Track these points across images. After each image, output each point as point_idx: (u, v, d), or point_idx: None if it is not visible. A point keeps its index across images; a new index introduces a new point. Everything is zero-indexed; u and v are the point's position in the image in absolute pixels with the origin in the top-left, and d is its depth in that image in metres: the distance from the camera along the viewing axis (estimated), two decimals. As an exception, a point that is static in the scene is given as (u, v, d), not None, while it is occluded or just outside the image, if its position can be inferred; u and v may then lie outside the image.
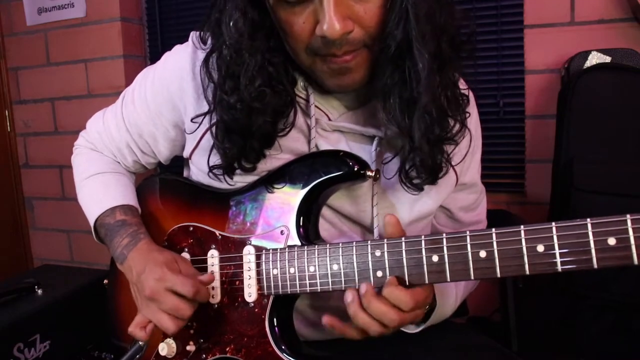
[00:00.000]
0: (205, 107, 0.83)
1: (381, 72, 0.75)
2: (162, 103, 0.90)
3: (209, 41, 0.81)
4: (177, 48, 0.91)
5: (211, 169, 0.85)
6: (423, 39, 0.69)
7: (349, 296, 0.71)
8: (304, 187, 0.79)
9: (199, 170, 0.91)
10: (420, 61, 0.70)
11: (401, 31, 0.70)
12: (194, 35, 0.89)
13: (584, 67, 1.49)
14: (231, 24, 0.73)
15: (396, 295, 0.68)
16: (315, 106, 0.83)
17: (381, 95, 0.76)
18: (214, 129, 0.81)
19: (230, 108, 0.77)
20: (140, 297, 0.82)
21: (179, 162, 1.01)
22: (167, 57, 0.92)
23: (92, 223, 0.95)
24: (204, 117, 0.84)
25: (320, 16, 0.67)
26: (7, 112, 2.30)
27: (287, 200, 0.80)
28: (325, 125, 0.83)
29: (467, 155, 0.90)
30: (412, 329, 0.81)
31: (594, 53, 1.49)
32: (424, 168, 0.77)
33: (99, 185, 0.97)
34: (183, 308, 0.77)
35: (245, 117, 0.76)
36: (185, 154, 0.92)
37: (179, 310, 0.77)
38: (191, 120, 0.86)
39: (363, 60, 0.73)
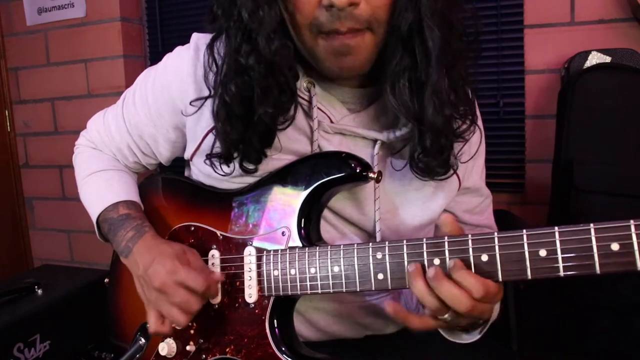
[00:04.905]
0: (206, 111, 0.83)
1: (391, 56, 0.76)
2: (163, 105, 0.90)
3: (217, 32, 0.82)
4: (178, 49, 0.91)
5: (209, 156, 0.84)
6: (433, 16, 0.71)
7: (416, 278, 0.66)
8: (305, 188, 0.79)
9: (199, 172, 0.91)
10: (431, 38, 0.72)
11: (412, 11, 0.71)
12: (195, 36, 0.89)
13: (584, 67, 1.48)
14: None
15: (468, 281, 0.63)
16: (318, 108, 0.83)
17: (390, 79, 0.77)
18: (215, 112, 0.81)
19: (246, 71, 0.76)
20: (149, 290, 0.82)
21: (180, 162, 1.01)
22: (168, 58, 0.92)
23: (94, 219, 0.95)
24: (204, 102, 0.84)
25: None
26: (7, 112, 2.30)
27: (288, 201, 0.80)
28: (327, 127, 0.83)
29: (477, 154, 0.90)
30: (466, 339, 0.76)
31: (594, 53, 1.49)
32: (435, 151, 0.77)
33: (102, 182, 0.97)
34: (192, 302, 0.78)
35: (263, 78, 0.76)
36: (186, 155, 0.92)
37: (188, 304, 0.78)
38: (190, 103, 0.85)
39: (365, 45, 0.74)
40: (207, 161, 0.85)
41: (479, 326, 0.75)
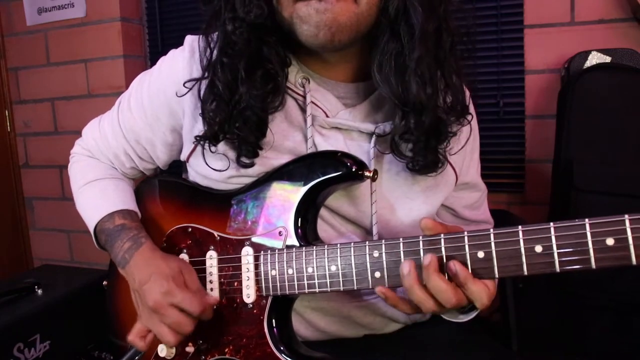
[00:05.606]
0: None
1: (380, 40, 0.77)
2: (159, 108, 0.90)
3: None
4: (172, 52, 0.91)
5: (197, 138, 0.84)
6: None
7: (406, 268, 0.66)
8: (305, 184, 0.79)
9: (196, 173, 0.90)
10: (414, 17, 0.73)
11: None
12: (189, 38, 0.89)
13: (584, 67, 1.48)
14: None
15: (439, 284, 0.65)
16: (313, 103, 0.83)
17: (378, 59, 0.77)
18: (203, 94, 0.81)
19: (231, 35, 0.77)
20: (142, 306, 0.82)
21: (177, 163, 1.01)
22: (162, 61, 0.92)
23: (92, 230, 0.95)
24: (195, 83, 0.83)
25: None
26: (7, 112, 2.30)
27: (287, 197, 0.80)
28: (322, 122, 0.83)
29: (468, 151, 0.90)
30: (461, 319, 0.76)
31: (594, 53, 1.49)
32: (419, 132, 0.77)
33: (97, 192, 0.97)
34: (186, 324, 0.78)
35: (245, 44, 0.76)
36: (183, 157, 0.92)
37: (181, 326, 0.77)
38: (183, 85, 0.84)
39: (347, 9, 0.72)
40: (195, 142, 0.85)
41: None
